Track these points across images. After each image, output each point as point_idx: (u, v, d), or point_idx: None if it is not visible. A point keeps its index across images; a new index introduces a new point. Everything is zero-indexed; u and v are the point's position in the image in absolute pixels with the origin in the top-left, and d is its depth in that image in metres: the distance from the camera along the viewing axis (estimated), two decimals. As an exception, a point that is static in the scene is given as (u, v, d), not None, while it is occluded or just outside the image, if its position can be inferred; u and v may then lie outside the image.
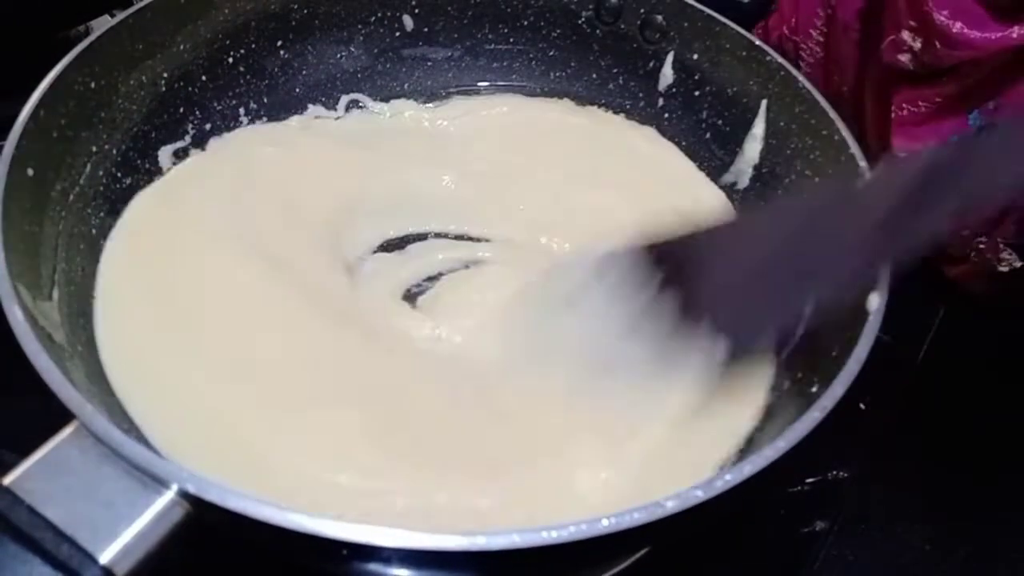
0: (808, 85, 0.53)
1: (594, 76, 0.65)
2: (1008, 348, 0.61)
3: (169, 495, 0.32)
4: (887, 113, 0.57)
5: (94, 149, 0.49)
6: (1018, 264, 0.55)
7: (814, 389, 0.41)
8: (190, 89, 0.56)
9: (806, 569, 0.50)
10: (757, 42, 0.56)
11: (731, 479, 0.33)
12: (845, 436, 0.56)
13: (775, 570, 0.51)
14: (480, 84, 0.66)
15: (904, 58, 0.52)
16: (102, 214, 0.50)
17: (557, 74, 0.66)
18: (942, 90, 0.53)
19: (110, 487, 0.32)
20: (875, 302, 0.41)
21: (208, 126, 0.58)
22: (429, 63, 0.65)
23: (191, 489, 0.31)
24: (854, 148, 0.49)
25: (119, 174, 0.51)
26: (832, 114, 0.51)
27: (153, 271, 0.49)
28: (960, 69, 0.52)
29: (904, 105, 0.55)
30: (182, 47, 0.55)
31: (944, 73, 0.53)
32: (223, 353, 0.45)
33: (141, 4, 0.52)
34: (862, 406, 0.58)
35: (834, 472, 0.55)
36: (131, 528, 0.31)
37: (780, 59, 0.55)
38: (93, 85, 0.49)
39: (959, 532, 0.53)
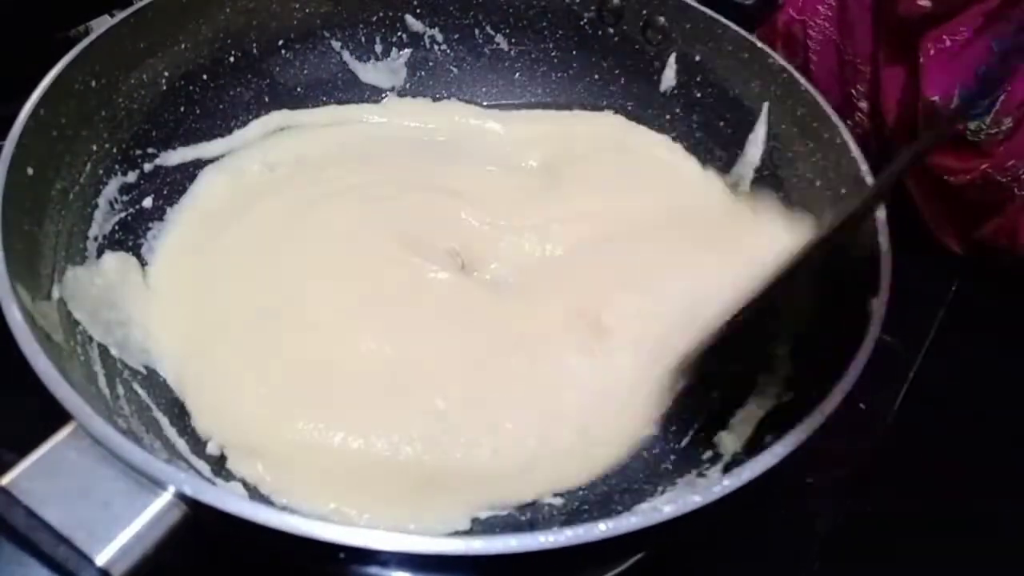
0: (810, 88, 0.53)
1: (596, 77, 0.65)
2: (1011, 346, 0.61)
3: (167, 497, 0.32)
4: (907, 72, 0.57)
5: (95, 148, 0.49)
6: None
7: (815, 393, 0.41)
8: (191, 88, 0.56)
9: (806, 568, 0.50)
10: (759, 44, 0.56)
11: (729, 484, 0.33)
12: (845, 436, 0.56)
13: (775, 569, 0.51)
14: (482, 87, 0.66)
15: (923, 1, 0.52)
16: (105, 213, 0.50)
17: (559, 75, 0.65)
18: (965, 20, 0.54)
19: (107, 488, 0.32)
20: (875, 307, 0.41)
21: (208, 125, 0.58)
22: (431, 63, 0.65)
23: (188, 491, 0.31)
24: (855, 152, 0.49)
25: (121, 173, 0.51)
26: (834, 118, 0.51)
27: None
28: None
29: (930, 46, 0.55)
30: (183, 46, 0.55)
31: (965, 4, 0.53)
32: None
33: (142, 3, 0.52)
34: (862, 406, 0.57)
35: (834, 472, 0.55)
36: (128, 530, 0.31)
37: (783, 61, 0.55)
38: (94, 84, 0.49)
39: (959, 532, 0.53)
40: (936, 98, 0.55)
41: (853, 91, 0.64)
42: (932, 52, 0.55)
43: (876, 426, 0.56)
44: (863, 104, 0.64)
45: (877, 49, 0.60)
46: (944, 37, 0.55)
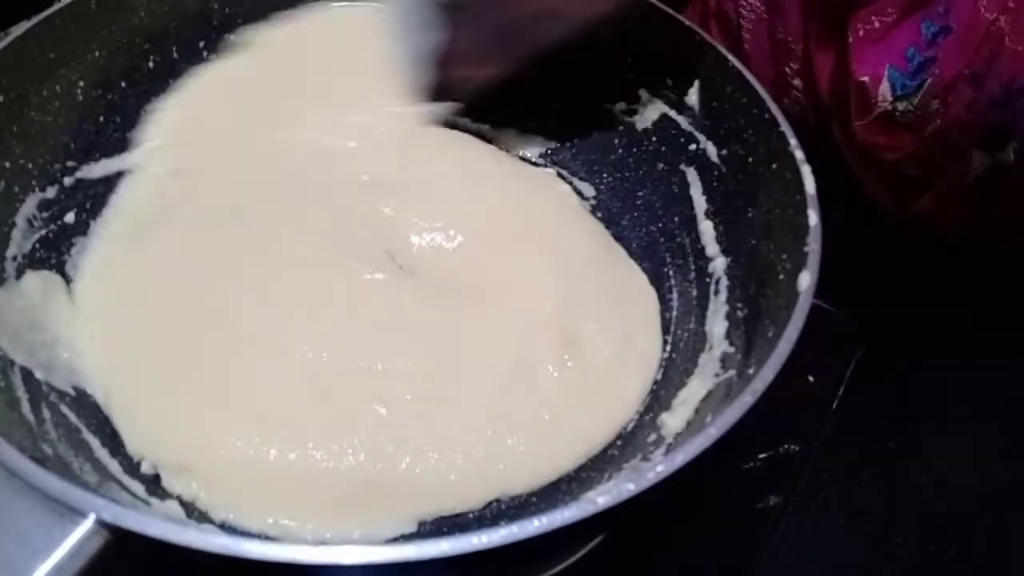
0: (738, 64, 0.53)
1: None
2: (954, 311, 0.62)
3: (87, 524, 0.31)
4: (837, 51, 0.57)
5: (7, 165, 0.47)
6: (988, 162, 0.55)
7: (751, 371, 0.41)
8: (110, 97, 0.55)
9: (766, 541, 0.50)
10: (687, 23, 0.56)
11: (663, 470, 0.33)
12: (794, 409, 0.56)
13: (734, 547, 0.51)
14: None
15: None
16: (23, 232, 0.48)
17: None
18: (895, 1, 0.54)
19: (25, 520, 0.31)
20: (805, 281, 0.41)
21: (131, 134, 0.56)
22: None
23: (107, 517, 0.30)
24: (784, 126, 0.49)
25: (39, 189, 0.50)
26: (763, 93, 0.51)
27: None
28: None
29: (860, 26, 0.56)
30: (97, 53, 0.53)
31: None
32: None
33: (48, 12, 0.50)
34: (810, 379, 0.58)
35: (785, 446, 0.55)
36: (48, 562, 0.30)
37: (710, 39, 0.54)
38: (2, 99, 0.47)
39: (913, 496, 0.53)
40: (866, 78, 0.56)
41: (787, 69, 0.64)
42: (861, 33, 0.56)
43: (825, 397, 0.57)
44: (797, 82, 0.64)
45: (808, 28, 0.61)
46: (872, 18, 0.55)
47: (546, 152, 0.62)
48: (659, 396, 0.48)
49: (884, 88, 0.55)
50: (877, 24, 0.55)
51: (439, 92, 0.57)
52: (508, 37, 0.51)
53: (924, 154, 0.57)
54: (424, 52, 0.54)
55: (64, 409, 0.43)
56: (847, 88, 0.58)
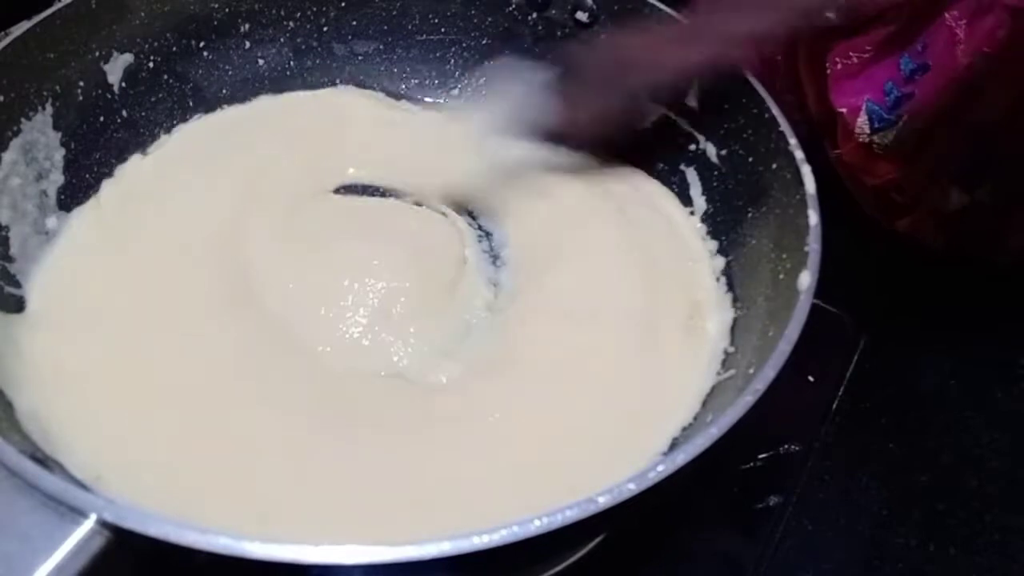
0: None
1: (528, 64, 0.64)
2: (954, 311, 0.62)
3: (88, 524, 0.31)
4: (821, 78, 0.57)
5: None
6: (966, 199, 0.56)
7: (752, 371, 0.42)
8: (109, 97, 0.55)
9: (766, 541, 0.51)
10: (687, 23, 0.55)
11: (663, 470, 0.33)
12: (794, 409, 0.56)
13: (734, 547, 0.51)
14: (413, 79, 0.65)
15: (830, 14, 0.53)
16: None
17: (491, 63, 0.65)
18: (871, 39, 0.54)
19: (25, 520, 0.31)
20: (805, 281, 0.41)
21: (131, 134, 0.56)
22: (359, 57, 0.64)
23: (109, 517, 0.30)
24: (784, 126, 0.49)
25: (37, 191, 0.50)
26: (763, 92, 0.51)
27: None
28: (885, 15, 0.53)
29: (837, 60, 0.56)
30: (97, 54, 0.53)
31: (871, 22, 0.54)
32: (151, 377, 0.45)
33: (48, 12, 0.50)
34: (811, 379, 0.58)
35: (785, 446, 0.55)
36: (49, 562, 0.30)
37: (710, 38, 0.54)
38: (2, 99, 0.47)
39: (913, 496, 0.53)
40: (844, 110, 0.56)
41: (777, 84, 0.64)
42: (839, 66, 0.56)
43: (825, 397, 0.57)
44: (788, 96, 0.64)
45: (794, 50, 0.61)
46: (850, 53, 0.55)
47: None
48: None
49: (862, 120, 0.56)
50: (854, 59, 0.55)
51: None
52: (607, 87, 0.52)
53: (904, 184, 0.57)
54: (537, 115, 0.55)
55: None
56: (833, 111, 0.58)
